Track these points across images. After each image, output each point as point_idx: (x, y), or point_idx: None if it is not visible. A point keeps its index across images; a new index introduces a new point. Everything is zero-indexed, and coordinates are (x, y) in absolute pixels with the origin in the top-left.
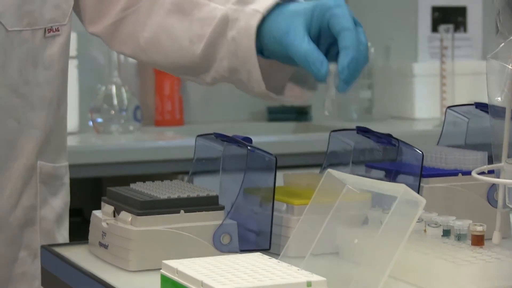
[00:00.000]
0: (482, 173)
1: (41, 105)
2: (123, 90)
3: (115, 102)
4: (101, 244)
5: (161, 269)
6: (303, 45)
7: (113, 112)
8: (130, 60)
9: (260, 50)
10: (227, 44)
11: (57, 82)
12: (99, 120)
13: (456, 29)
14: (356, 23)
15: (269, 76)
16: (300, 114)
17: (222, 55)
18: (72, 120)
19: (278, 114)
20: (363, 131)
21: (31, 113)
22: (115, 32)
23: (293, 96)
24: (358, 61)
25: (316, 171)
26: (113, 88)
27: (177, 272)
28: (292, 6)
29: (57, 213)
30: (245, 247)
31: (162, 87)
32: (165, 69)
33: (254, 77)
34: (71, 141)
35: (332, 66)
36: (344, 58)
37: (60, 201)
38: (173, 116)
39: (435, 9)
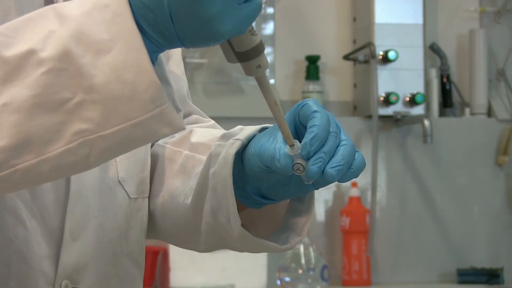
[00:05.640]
0: None
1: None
2: (311, 249)
3: (303, 261)
4: None
5: None
6: (271, 146)
7: (300, 271)
8: (318, 218)
9: (247, 188)
10: (209, 182)
11: None
12: (287, 279)
13: None
14: (338, 127)
15: (261, 228)
16: (491, 276)
17: (207, 198)
18: (261, 279)
19: (468, 276)
20: None
21: (142, 283)
22: None
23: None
24: (325, 140)
25: None
26: (301, 247)
27: None
28: (271, 126)
29: None
30: None
31: (350, 247)
32: (165, 237)
33: (231, 211)
34: None
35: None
36: (307, 135)
37: None
38: (361, 277)
39: None
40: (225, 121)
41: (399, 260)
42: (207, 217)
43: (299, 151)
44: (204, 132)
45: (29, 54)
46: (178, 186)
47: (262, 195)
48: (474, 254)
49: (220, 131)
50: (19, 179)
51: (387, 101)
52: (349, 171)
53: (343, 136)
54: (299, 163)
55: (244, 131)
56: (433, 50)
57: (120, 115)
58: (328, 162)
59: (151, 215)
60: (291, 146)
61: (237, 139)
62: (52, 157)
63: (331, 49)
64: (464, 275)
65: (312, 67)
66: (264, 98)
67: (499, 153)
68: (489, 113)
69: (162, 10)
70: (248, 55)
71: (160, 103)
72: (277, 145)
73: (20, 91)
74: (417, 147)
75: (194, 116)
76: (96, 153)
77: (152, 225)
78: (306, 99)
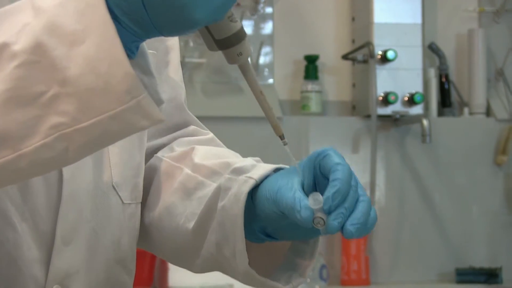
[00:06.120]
0: None
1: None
2: None
3: None
4: None
5: None
6: (290, 195)
7: None
8: None
9: (254, 226)
10: (217, 215)
11: None
12: None
13: None
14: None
15: (259, 261)
16: (490, 276)
17: (212, 229)
18: None
19: (467, 276)
20: None
21: None
22: None
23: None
24: (346, 195)
25: None
26: None
27: None
28: (287, 168)
29: None
30: None
31: (349, 247)
32: (161, 252)
33: (238, 249)
34: None
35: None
36: (329, 189)
37: None
38: (359, 276)
39: None
40: (224, 120)
41: (398, 259)
42: (211, 248)
43: (321, 205)
44: (207, 153)
45: (2, 47)
46: (176, 204)
47: (266, 233)
48: (473, 253)
49: (221, 150)
50: None
51: (385, 101)
52: (365, 228)
53: (360, 191)
54: (320, 217)
55: (257, 170)
56: (432, 49)
57: (96, 107)
58: (348, 218)
59: (147, 228)
60: (280, 137)
61: (250, 178)
62: (29, 152)
63: (330, 48)
64: (463, 274)
65: (311, 67)
66: (249, 87)
67: (497, 152)
68: (488, 112)
69: None
70: (228, 42)
71: (136, 94)
72: (296, 195)
73: None
74: (416, 147)
75: (192, 128)
76: (74, 147)
77: (148, 239)
78: (327, 149)
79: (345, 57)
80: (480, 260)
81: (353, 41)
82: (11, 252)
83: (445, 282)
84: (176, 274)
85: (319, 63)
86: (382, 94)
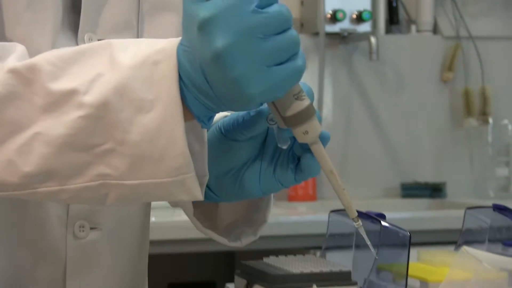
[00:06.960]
0: None
1: None
2: None
3: None
4: None
5: None
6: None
7: None
8: None
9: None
10: None
11: None
12: None
13: None
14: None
15: (215, 217)
16: (434, 191)
17: None
18: None
19: (412, 190)
20: (500, 208)
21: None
22: None
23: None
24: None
25: (451, 248)
26: None
27: None
28: None
29: None
30: None
31: None
32: None
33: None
34: None
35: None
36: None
37: None
38: (306, 192)
39: None
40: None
41: (344, 175)
42: None
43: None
44: None
45: (72, 93)
46: None
47: (210, 189)
48: (418, 169)
49: None
50: (39, 198)
51: (334, 18)
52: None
53: None
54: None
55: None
56: None
57: (145, 172)
58: None
59: None
60: (353, 219)
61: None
62: (71, 189)
63: None
64: (408, 189)
65: None
66: (320, 166)
67: (444, 69)
68: (435, 30)
69: (196, 69)
70: (292, 121)
71: (184, 171)
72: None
73: (55, 126)
74: (364, 64)
75: None
76: (113, 195)
77: None
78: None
79: None
80: (425, 175)
81: None
82: None
83: (391, 197)
84: None
85: None
86: (330, 12)
